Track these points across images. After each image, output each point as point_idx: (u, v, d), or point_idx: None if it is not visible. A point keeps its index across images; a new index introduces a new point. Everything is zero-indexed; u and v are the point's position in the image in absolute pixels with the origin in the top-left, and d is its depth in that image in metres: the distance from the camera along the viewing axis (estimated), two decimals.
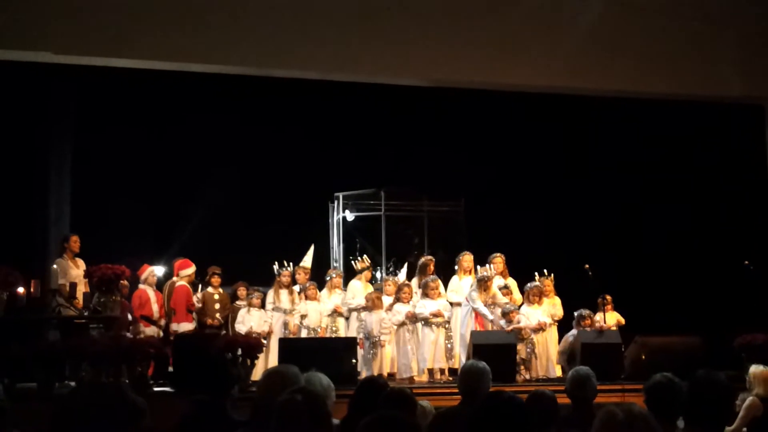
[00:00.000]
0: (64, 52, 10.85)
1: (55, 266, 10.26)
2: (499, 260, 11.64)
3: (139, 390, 8.15)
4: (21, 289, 9.39)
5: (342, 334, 11.30)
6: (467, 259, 11.60)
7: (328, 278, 11.79)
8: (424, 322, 10.88)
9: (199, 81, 11.96)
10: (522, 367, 10.77)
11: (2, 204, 11.10)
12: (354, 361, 10.07)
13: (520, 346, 10.79)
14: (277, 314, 11.38)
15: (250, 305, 11.41)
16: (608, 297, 11.54)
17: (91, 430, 3.03)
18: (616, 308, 11.75)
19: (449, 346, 10.89)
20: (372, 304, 10.96)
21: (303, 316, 11.33)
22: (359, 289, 11.56)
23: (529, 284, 11.44)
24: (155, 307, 11.32)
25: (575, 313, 11.25)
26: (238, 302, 11.82)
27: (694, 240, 13.98)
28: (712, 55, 12.33)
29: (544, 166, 14.17)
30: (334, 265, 13.54)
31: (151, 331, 11.05)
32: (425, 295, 11.06)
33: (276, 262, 11.57)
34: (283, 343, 10.41)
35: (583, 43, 11.85)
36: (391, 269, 13.26)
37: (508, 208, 13.79)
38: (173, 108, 12.88)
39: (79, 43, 10.79)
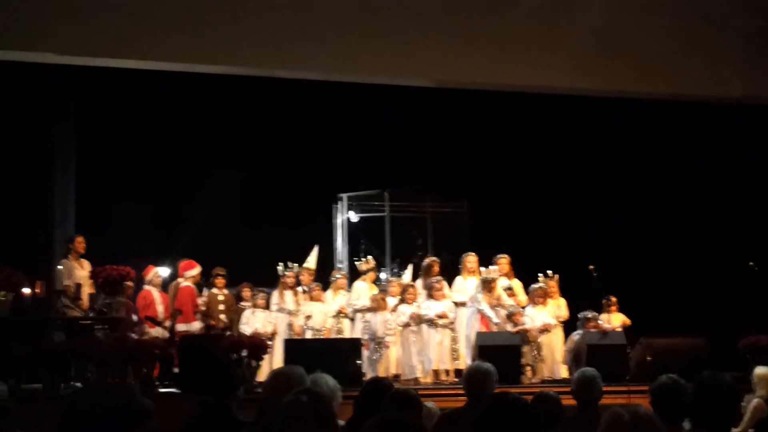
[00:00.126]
0: (67, 53, 10.87)
1: (60, 267, 10.29)
2: (504, 261, 11.63)
3: (145, 391, 8.19)
4: (26, 290, 9.40)
5: (347, 335, 11.29)
6: (471, 259, 11.59)
7: (332, 279, 11.79)
8: (429, 323, 10.87)
9: (203, 82, 11.97)
10: (528, 369, 10.76)
11: (7, 205, 11.13)
12: (359, 362, 10.07)
13: (525, 349, 10.79)
14: (282, 315, 11.38)
15: (254, 306, 11.40)
16: (613, 298, 11.53)
17: (99, 431, 3.03)
18: (621, 309, 11.73)
19: (454, 347, 10.89)
20: (377, 305, 10.96)
21: (307, 317, 11.34)
22: (364, 290, 11.56)
23: (533, 285, 11.43)
24: (160, 308, 11.32)
25: (580, 315, 11.24)
26: (242, 303, 11.81)
27: (699, 241, 13.97)
28: (713, 56, 12.31)
29: (548, 166, 14.16)
30: (339, 266, 13.54)
31: (156, 332, 11.04)
32: (430, 296, 11.05)
33: (281, 263, 11.57)
34: (288, 344, 10.42)
35: (585, 44, 11.84)
36: (395, 270, 13.26)
37: (512, 208, 13.77)
38: (177, 108, 12.89)
39: (82, 44, 10.80)
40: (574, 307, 11.51)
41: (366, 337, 10.88)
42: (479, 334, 10.68)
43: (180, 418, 4.81)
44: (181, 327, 11.25)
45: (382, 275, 13.09)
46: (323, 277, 11.95)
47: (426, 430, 3.36)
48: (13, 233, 11.18)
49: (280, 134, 13.42)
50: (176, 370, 9.81)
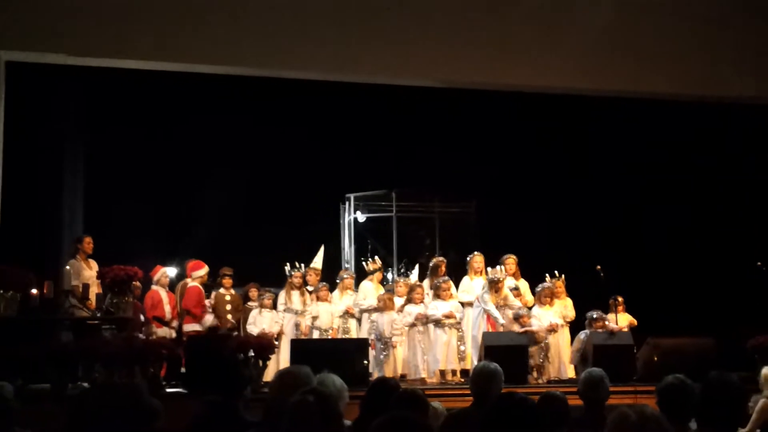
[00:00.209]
0: (76, 54, 10.91)
1: (68, 267, 10.32)
2: (511, 261, 11.62)
3: (152, 391, 8.19)
4: (34, 290, 9.43)
5: (353, 335, 11.30)
6: (478, 259, 11.57)
7: (339, 279, 11.80)
8: (436, 324, 10.87)
9: (211, 82, 12.00)
10: (534, 372, 10.75)
11: (16, 205, 11.14)
12: (365, 362, 10.07)
13: (533, 350, 10.78)
14: (289, 315, 11.40)
15: (261, 306, 11.42)
16: (620, 298, 11.52)
17: (107, 430, 3.04)
18: (628, 310, 11.72)
19: (461, 347, 10.88)
20: (384, 305, 10.97)
21: (314, 318, 11.34)
22: (371, 290, 11.57)
23: (540, 285, 11.42)
24: (167, 308, 11.35)
25: (587, 314, 11.23)
26: (249, 303, 11.83)
27: (707, 241, 13.94)
28: (713, 56, 12.31)
29: (555, 166, 14.15)
30: (346, 266, 13.54)
31: (163, 332, 11.07)
32: (437, 296, 11.05)
33: (288, 263, 11.59)
34: (295, 344, 10.43)
35: (588, 44, 11.86)
36: (402, 270, 13.26)
37: (520, 209, 13.77)
38: (184, 109, 12.90)
39: (90, 45, 10.85)
40: (580, 308, 11.49)
41: (373, 337, 10.89)
42: (485, 334, 10.67)
43: (187, 418, 4.82)
44: (188, 327, 11.27)
45: (389, 275, 13.08)
46: (330, 277, 11.97)
47: (433, 430, 3.37)
48: (21, 234, 11.19)
49: (287, 135, 13.43)
50: (183, 370, 9.82)
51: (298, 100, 13.00)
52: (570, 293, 11.67)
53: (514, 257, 11.68)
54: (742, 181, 13.76)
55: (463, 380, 10.47)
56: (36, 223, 11.70)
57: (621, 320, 11.36)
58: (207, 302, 11.63)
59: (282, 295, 11.53)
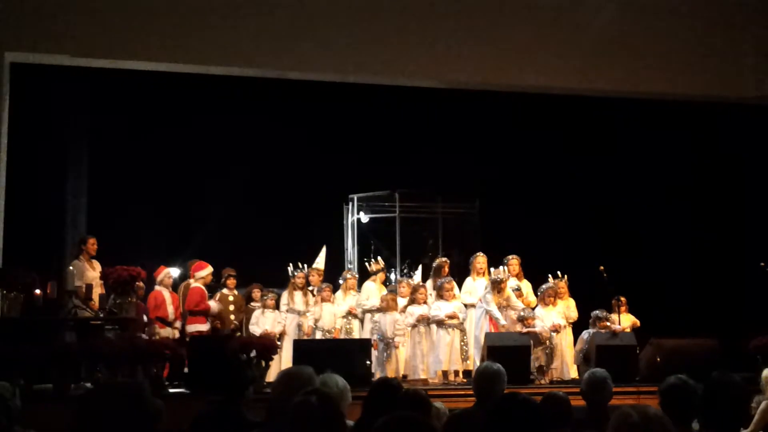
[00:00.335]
0: (81, 55, 10.93)
1: (71, 268, 10.32)
2: (514, 262, 11.61)
3: (155, 391, 8.21)
4: (38, 291, 9.44)
5: (356, 335, 11.30)
6: (480, 260, 11.57)
7: (342, 280, 11.81)
8: (439, 324, 10.87)
9: (214, 84, 12.02)
10: (537, 374, 10.75)
11: (20, 206, 11.17)
12: (368, 362, 10.07)
13: (539, 353, 10.77)
14: (291, 316, 11.40)
15: (264, 307, 11.43)
16: (623, 299, 11.51)
17: (109, 430, 3.05)
18: (630, 310, 11.71)
19: (464, 347, 10.88)
20: (387, 306, 10.97)
21: (316, 320, 11.33)
22: (373, 291, 11.58)
23: (543, 286, 11.42)
24: (171, 309, 11.34)
25: (592, 313, 11.22)
26: (252, 304, 11.84)
27: (710, 242, 13.94)
28: (716, 56, 12.31)
29: (559, 167, 14.14)
30: (349, 266, 13.54)
31: (166, 332, 11.07)
32: (440, 296, 11.05)
33: (291, 264, 11.59)
34: (298, 344, 10.43)
35: (590, 44, 11.86)
36: (405, 271, 13.25)
37: (522, 209, 13.77)
38: (188, 110, 12.91)
39: (95, 46, 10.88)
40: (583, 308, 11.49)
41: (375, 337, 10.89)
42: (488, 335, 10.66)
43: (190, 418, 4.83)
44: (191, 328, 11.27)
45: (392, 276, 13.08)
46: (333, 277, 11.97)
47: (436, 430, 3.37)
48: (25, 234, 11.22)
49: (291, 135, 13.43)
50: (186, 370, 9.83)
51: (301, 101, 13.01)
52: (573, 294, 11.67)
53: (518, 258, 11.67)
54: (746, 181, 13.76)
55: (465, 381, 10.47)
56: (40, 224, 11.73)
57: (624, 321, 11.36)
58: (211, 303, 11.61)
59: (285, 295, 11.54)
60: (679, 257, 13.98)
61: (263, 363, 9.48)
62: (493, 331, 10.88)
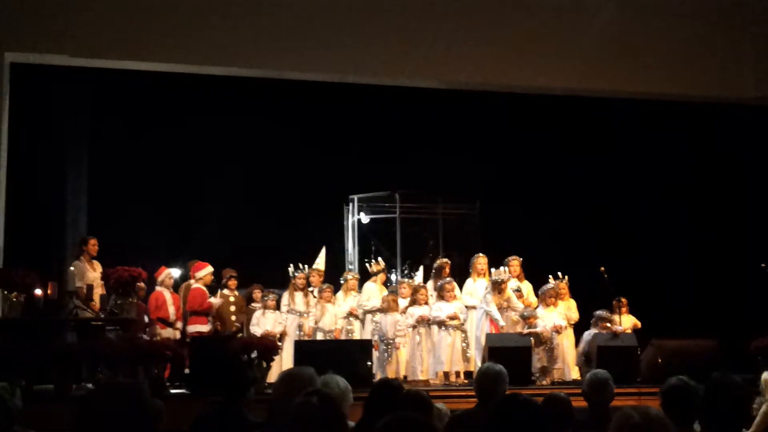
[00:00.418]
0: (80, 55, 10.94)
1: (72, 269, 10.32)
2: (515, 263, 11.61)
3: (156, 392, 8.21)
4: (38, 291, 9.44)
5: (357, 336, 11.30)
6: (481, 261, 11.56)
7: (343, 281, 11.81)
8: (440, 325, 10.86)
9: (215, 84, 12.02)
10: (539, 375, 10.75)
11: (20, 207, 11.17)
12: (369, 363, 10.07)
13: (541, 353, 10.77)
14: (292, 316, 11.40)
15: (264, 307, 11.42)
16: (623, 300, 11.51)
17: (110, 430, 3.05)
18: (631, 311, 11.70)
19: (465, 348, 10.88)
20: (388, 306, 10.96)
21: (318, 320, 11.33)
22: (374, 292, 11.57)
23: (544, 286, 11.42)
24: (172, 310, 11.33)
25: (594, 313, 11.22)
26: (253, 304, 11.83)
27: (711, 243, 13.94)
28: (718, 57, 12.31)
29: (559, 168, 14.14)
30: (349, 267, 13.54)
31: (167, 333, 11.07)
32: (441, 297, 11.05)
33: (291, 265, 11.59)
34: (299, 345, 10.43)
35: (592, 45, 11.87)
36: (406, 272, 13.25)
37: (523, 210, 13.77)
38: (188, 110, 12.91)
39: (95, 46, 10.88)
40: (584, 309, 11.49)
41: (376, 338, 10.89)
42: (489, 336, 10.66)
43: (191, 419, 4.83)
44: (192, 328, 11.26)
45: (393, 277, 13.08)
46: (334, 278, 11.97)
47: (438, 430, 3.37)
48: (26, 235, 11.22)
49: (291, 136, 13.43)
50: (187, 371, 9.83)
51: (301, 101, 13.02)
52: (573, 295, 11.67)
53: (519, 259, 11.67)
54: (746, 181, 13.77)
55: (466, 382, 10.48)
56: (40, 225, 11.73)
57: (624, 322, 11.36)
58: (213, 300, 11.60)
59: (285, 296, 11.54)
60: (678, 258, 13.99)
61: (264, 364, 9.48)
62: (493, 332, 10.88)
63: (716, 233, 13.99)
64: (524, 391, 6.83)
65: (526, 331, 10.81)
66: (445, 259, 11.95)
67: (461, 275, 11.83)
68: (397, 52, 11.56)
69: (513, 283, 11.41)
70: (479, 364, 10.26)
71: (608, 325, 11.08)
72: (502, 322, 10.89)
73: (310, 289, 11.61)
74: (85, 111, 12.52)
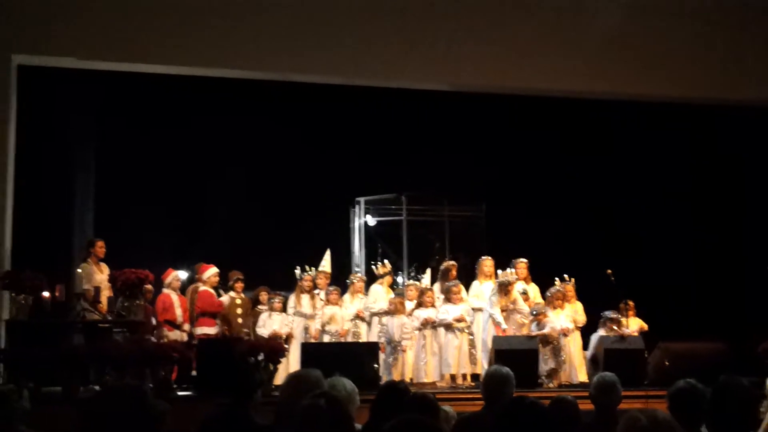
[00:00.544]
0: (89, 58, 10.96)
1: (79, 271, 10.35)
2: (522, 265, 11.60)
3: (163, 394, 8.23)
4: (46, 294, 9.47)
5: (363, 338, 11.30)
6: (488, 263, 11.56)
7: (349, 283, 11.80)
8: (447, 327, 10.86)
9: (222, 86, 12.03)
10: (545, 379, 10.73)
11: (28, 209, 11.18)
12: (376, 365, 10.07)
13: (548, 353, 10.75)
14: (298, 319, 11.40)
15: (271, 309, 11.42)
16: (631, 303, 11.48)
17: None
18: (638, 314, 11.68)
19: (473, 351, 10.87)
20: (395, 309, 10.96)
21: (325, 324, 11.31)
22: (381, 294, 11.56)
23: (551, 289, 11.41)
24: (179, 312, 11.33)
25: (602, 314, 11.20)
26: (259, 307, 11.84)
27: (719, 245, 13.92)
28: (720, 58, 12.30)
29: (565, 170, 14.13)
30: (356, 269, 13.55)
31: (174, 335, 11.07)
32: (447, 300, 11.04)
33: (298, 267, 11.60)
34: (305, 347, 10.43)
35: (596, 47, 11.86)
36: (412, 274, 13.25)
37: (529, 212, 13.76)
38: (196, 113, 12.93)
39: (103, 49, 10.90)
40: (591, 312, 11.47)
41: (383, 340, 10.89)
42: (496, 338, 10.66)
43: (198, 421, 4.83)
44: (200, 330, 11.26)
45: (399, 279, 13.09)
46: (341, 281, 11.98)
47: None
48: (34, 237, 11.24)
49: (298, 138, 13.45)
50: (194, 373, 9.84)
51: (307, 103, 13.01)
52: (580, 297, 11.64)
53: (526, 261, 11.66)
54: (746, 182, 13.76)
55: (473, 384, 10.47)
56: (48, 227, 11.75)
57: (631, 324, 11.34)
58: (223, 298, 11.62)
59: (292, 298, 11.54)
60: (681, 259, 13.97)
61: (271, 366, 9.48)
62: (500, 334, 10.88)
63: (718, 234, 13.97)
64: (531, 393, 6.82)
65: (534, 332, 10.78)
66: (452, 262, 11.94)
67: (468, 277, 11.81)
68: (403, 54, 11.56)
69: (519, 286, 11.40)
70: (486, 366, 10.25)
71: (615, 327, 11.06)
72: (504, 325, 10.89)
73: (317, 291, 11.61)
74: (91, 113, 12.55)
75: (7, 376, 8.88)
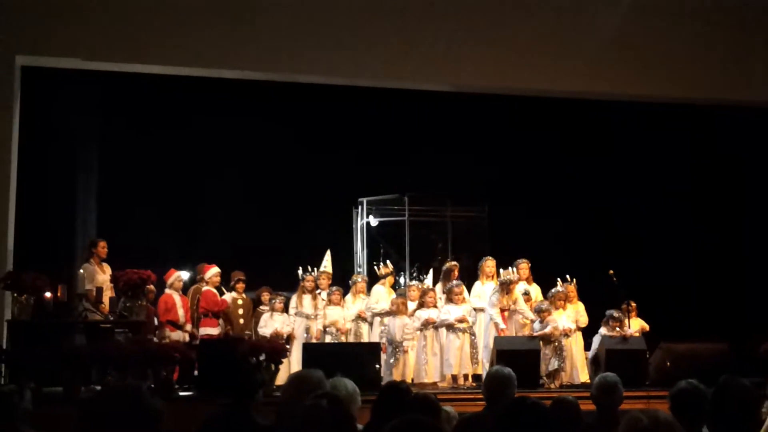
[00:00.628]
0: (92, 59, 10.98)
1: (81, 271, 10.36)
2: (524, 266, 11.60)
3: (164, 394, 8.24)
4: (48, 294, 9.47)
5: (365, 339, 11.30)
6: (489, 264, 11.56)
7: (351, 283, 11.81)
8: (449, 328, 10.86)
9: (224, 87, 12.04)
10: (546, 379, 10.73)
11: (30, 209, 11.20)
12: (377, 366, 10.07)
13: (550, 352, 10.75)
14: (300, 319, 11.40)
15: (272, 310, 11.43)
16: (633, 303, 11.48)
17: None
18: (640, 314, 11.69)
19: (474, 351, 10.87)
20: (397, 309, 10.97)
21: (326, 326, 11.31)
22: (383, 294, 11.57)
23: (553, 289, 11.41)
24: (181, 312, 11.33)
25: (606, 312, 11.20)
26: (261, 307, 11.84)
27: (721, 245, 13.92)
28: (721, 58, 12.30)
29: (569, 171, 14.13)
30: (358, 270, 13.55)
31: (177, 335, 11.08)
32: (449, 300, 11.04)
33: (300, 267, 11.61)
34: (307, 348, 10.43)
35: (599, 47, 11.86)
36: (414, 274, 13.25)
37: (532, 213, 13.76)
38: (198, 113, 12.95)
39: (107, 50, 10.91)
40: (593, 313, 11.47)
41: (384, 341, 10.89)
42: (497, 339, 10.66)
43: (199, 421, 4.83)
44: (204, 331, 11.26)
45: (401, 280, 13.09)
46: (343, 281, 11.98)
47: None
48: (36, 238, 11.26)
49: (301, 138, 13.46)
50: (196, 373, 9.85)
51: (310, 104, 13.03)
52: (582, 298, 11.64)
53: (527, 262, 11.66)
54: (746, 182, 13.76)
55: (474, 385, 10.47)
56: (50, 227, 11.77)
57: (633, 325, 11.35)
58: (226, 296, 11.64)
59: (294, 299, 11.55)
60: (681, 259, 13.98)
61: (272, 366, 9.48)
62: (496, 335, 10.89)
63: (718, 234, 13.97)
64: (532, 394, 6.82)
65: (537, 330, 10.78)
66: (454, 262, 11.95)
67: (470, 278, 11.82)
68: (406, 55, 11.57)
69: (521, 286, 11.41)
70: (487, 367, 10.25)
71: (618, 328, 11.06)
72: (502, 325, 10.90)
73: (318, 291, 11.61)
74: (94, 114, 12.56)
75: (9, 376, 8.89)
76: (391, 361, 10.78)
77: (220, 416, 4.85)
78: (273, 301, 11.50)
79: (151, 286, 10.51)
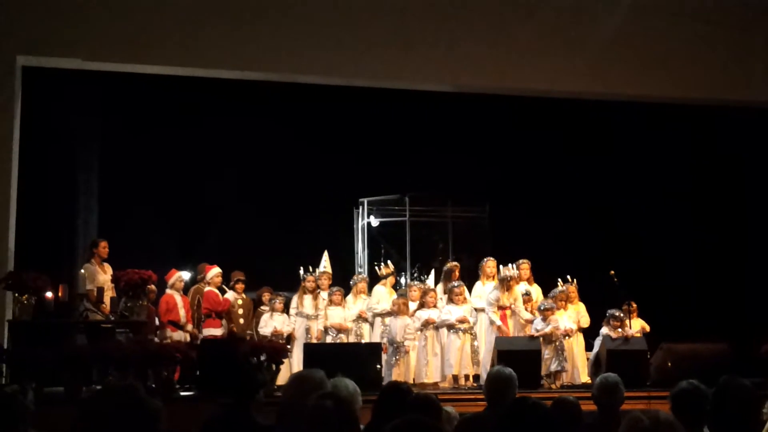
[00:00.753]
0: (93, 59, 10.98)
1: (82, 271, 10.35)
2: (525, 266, 11.60)
3: (165, 394, 8.25)
4: (49, 294, 9.47)
5: (366, 339, 11.31)
6: (490, 264, 11.56)
7: (352, 284, 11.81)
8: (449, 328, 10.86)
9: (225, 87, 12.04)
10: (547, 379, 10.73)
11: (31, 209, 11.20)
12: (378, 366, 10.07)
13: (551, 351, 10.75)
14: (300, 319, 11.40)
15: (273, 310, 11.43)
16: (633, 304, 11.48)
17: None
18: (641, 315, 11.68)
19: (475, 352, 10.88)
20: (398, 310, 10.97)
21: (327, 328, 11.30)
22: (384, 295, 11.58)
23: (554, 290, 11.41)
24: (182, 312, 11.32)
25: (608, 312, 11.20)
26: (261, 307, 11.85)
27: (722, 246, 13.91)
28: (728, 58, 12.30)
29: (570, 171, 14.13)
30: (359, 270, 13.56)
31: (178, 336, 11.08)
32: (450, 300, 11.05)
33: (301, 267, 11.61)
34: (308, 348, 10.44)
35: (600, 48, 11.87)
36: (415, 275, 13.26)
37: (533, 213, 13.76)
38: (199, 114, 12.95)
39: (107, 50, 10.92)
40: (594, 313, 11.47)
41: (385, 341, 10.90)
42: (498, 339, 10.67)
43: (200, 421, 4.84)
44: (207, 332, 11.25)
45: (402, 280, 13.09)
46: (344, 281, 11.98)
47: None
48: (37, 238, 11.26)
49: (302, 139, 13.46)
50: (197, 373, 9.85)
51: (311, 104, 13.03)
52: (583, 298, 11.65)
53: (528, 262, 11.66)
54: (747, 182, 13.76)
55: (475, 385, 10.48)
56: (51, 227, 11.76)
57: (634, 325, 11.35)
58: (228, 295, 11.64)
59: (294, 299, 11.55)
60: (681, 259, 13.98)
61: (273, 366, 9.49)
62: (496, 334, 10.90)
63: (719, 234, 13.97)
64: (533, 394, 6.83)
65: (538, 332, 10.78)
66: (455, 263, 11.96)
67: (470, 278, 11.82)
68: (406, 55, 11.58)
69: (522, 287, 11.41)
70: (488, 367, 10.26)
71: (619, 328, 11.06)
72: (498, 322, 10.92)
73: (319, 291, 11.61)
74: (95, 114, 12.55)
75: (11, 376, 8.89)
76: (392, 361, 10.78)
77: (221, 416, 4.86)
78: (273, 301, 11.51)
79: (152, 286, 10.50)
